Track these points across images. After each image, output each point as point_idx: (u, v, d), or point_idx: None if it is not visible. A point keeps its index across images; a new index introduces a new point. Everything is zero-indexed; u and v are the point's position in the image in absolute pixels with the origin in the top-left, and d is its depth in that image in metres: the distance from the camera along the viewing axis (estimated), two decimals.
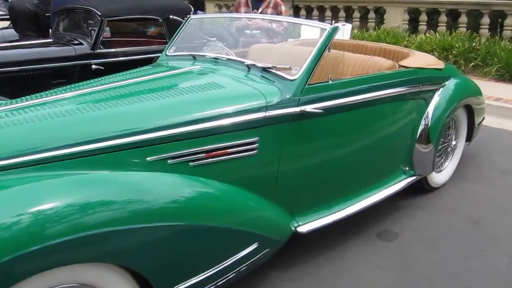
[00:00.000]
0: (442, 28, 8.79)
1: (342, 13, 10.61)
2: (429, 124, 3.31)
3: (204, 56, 3.14)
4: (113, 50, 5.06)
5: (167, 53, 3.53)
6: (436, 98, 3.38)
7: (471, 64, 7.56)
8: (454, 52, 7.74)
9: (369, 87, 2.84)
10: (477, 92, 3.95)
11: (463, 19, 8.65)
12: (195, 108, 2.35)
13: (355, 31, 9.58)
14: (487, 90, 6.56)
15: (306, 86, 2.54)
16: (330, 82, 2.65)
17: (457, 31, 8.44)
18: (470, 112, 3.82)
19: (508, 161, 4.36)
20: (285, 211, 2.59)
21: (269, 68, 2.67)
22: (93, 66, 4.91)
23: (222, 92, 2.52)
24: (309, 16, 11.70)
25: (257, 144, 2.41)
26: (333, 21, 2.94)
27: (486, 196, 3.68)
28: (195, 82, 2.67)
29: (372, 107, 2.89)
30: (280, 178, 2.53)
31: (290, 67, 2.63)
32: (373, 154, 3.01)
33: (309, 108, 2.49)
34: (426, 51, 7.92)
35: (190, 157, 2.25)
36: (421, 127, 3.31)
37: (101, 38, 4.94)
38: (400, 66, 3.20)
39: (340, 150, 2.79)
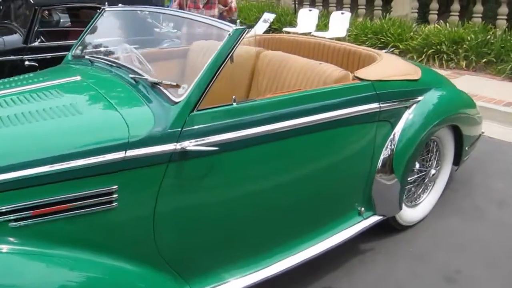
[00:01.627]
0: (454, 18, 7.81)
1: (347, 0, 9.70)
2: (393, 152, 2.54)
3: (104, 60, 2.45)
4: (52, 44, 4.41)
5: (72, 54, 2.86)
6: (405, 118, 2.60)
7: (483, 60, 6.63)
8: (465, 46, 6.81)
9: (300, 110, 2.10)
10: (468, 106, 3.13)
11: (479, 7, 7.64)
12: (25, 145, 1.67)
13: (360, 19, 8.67)
14: (498, 91, 5.68)
15: (194, 112, 1.83)
16: (235, 105, 1.92)
17: (470, 22, 7.47)
18: (458, 132, 3.02)
19: (509, 187, 3.54)
20: (177, 279, 1.91)
21: (156, 83, 1.97)
22: (26, 63, 4.27)
23: (74, 121, 1.81)
24: (312, 4, 10.83)
25: (115, 195, 1.72)
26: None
27: (472, 239, 2.90)
28: (54, 102, 1.97)
29: (304, 136, 2.14)
30: (160, 238, 1.84)
31: (177, 84, 1.92)
32: (307, 195, 2.27)
33: (193, 145, 1.78)
34: (433, 44, 7.03)
35: (11, 215, 1.58)
36: (382, 156, 2.54)
37: (35, 29, 4.29)
38: (355, 78, 2.43)
39: (252, 195, 2.06)
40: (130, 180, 1.73)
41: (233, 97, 1.94)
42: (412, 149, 2.60)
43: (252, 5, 11.36)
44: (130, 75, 2.12)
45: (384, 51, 3.25)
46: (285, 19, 9.98)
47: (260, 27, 10.24)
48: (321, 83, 2.41)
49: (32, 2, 4.24)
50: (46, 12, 4.83)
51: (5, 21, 4.69)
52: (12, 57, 4.22)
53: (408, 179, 2.79)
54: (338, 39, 8.16)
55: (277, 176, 2.11)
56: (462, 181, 3.58)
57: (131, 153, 1.70)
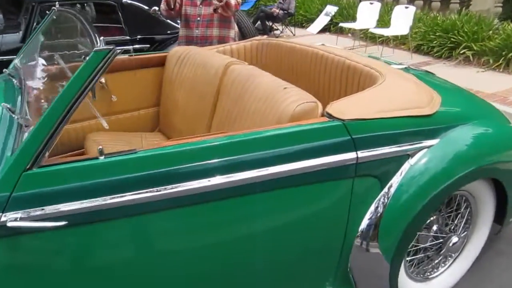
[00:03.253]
0: None
1: None
2: (381, 218, 1.77)
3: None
4: (55, 42, 4.08)
5: (16, 62, 2.44)
6: (405, 170, 1.80)
7: None
8: None
9: (216, 166, 1.44)
10: None
11: None
12: None
13: (418, 10, 7.45)
14: None
15: (33, 170, 1.26)
16: (101, 159, 1.32)
17: None
18: (501, 187, 2.14)
19: None
20: None
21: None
22: None
23: None
24: None
25: None
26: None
27: None
28: None
29: (226, 201, 1.49)
30: None
31: (26, 124, 1.38)
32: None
33: (24, 218, 1.22)
34: None
35: None
36: (365, 224, 1.78)
37: (33, 27, 3.99)
38: (326, 114, 1.70)
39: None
40: None
41: (99, 147, 1.35)
42: (413, 212, 1.81)
43: None
44: (4, 104, 1.61)
45: (400, 65, 2.44)
46: (348, 13, 9.05)
47: (321, 21, 9.43)
48: (275, 120, 1.72)
49: None
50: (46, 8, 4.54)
51: (12, 17, 4.47)
52: (10, 56, 3.94)
53: (415, 247, 2.01)
54: (397, 37, 7.18)
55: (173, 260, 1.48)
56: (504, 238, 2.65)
57: None
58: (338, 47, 3.27)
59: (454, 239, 2.13)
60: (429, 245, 2.12)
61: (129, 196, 1.36)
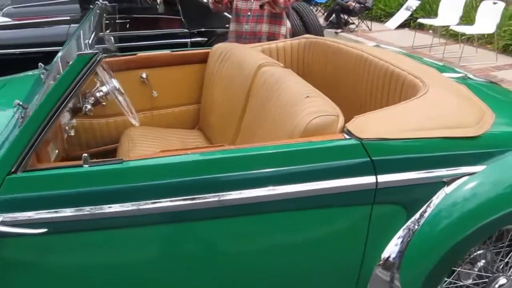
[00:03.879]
0: None
1: None
2: (403, 252, 1.54)
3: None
4: (110, 33, 4.19)
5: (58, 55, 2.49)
6: (439, 200, 1.54)
7: None
8: None
9: (205, 182, 1.32)
10: None
11: None
12: None
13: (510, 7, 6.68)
14: None
15: (17, 174, 1.23)
16: (85, 167, 1.26)
17: None
18: None
19: None
20: None
21: None
22: None
23: None
24: None
25: None
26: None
27: None
28: None
29: (220, 220, 1.36)
30: None
31: None
32: None
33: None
34: None
35: None
36: (385, 255, 1.56)
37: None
38: (346, 131, 1.50)
39: None
40: None
41: (84, 155, 1.28)
42: (445, 246, 1.55)
43: None
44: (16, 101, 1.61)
45: (457, 74, 2.14)
46: (431, 7, 8.40)
47: (401, 16, 8.87)
48: (288, 133, 1.55)
49: None
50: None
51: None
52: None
53: (454, 284, 1.74)
54: (483, 36, 6.50)
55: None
56: None
57: None
58: (394, 49, 2.98)
59: (502, 280, 1.82)
60: (471, 283, 1.83)
61: (113, 208, 1.29)
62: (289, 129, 1.56)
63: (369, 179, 1.44)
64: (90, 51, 1.34)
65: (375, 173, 1.45)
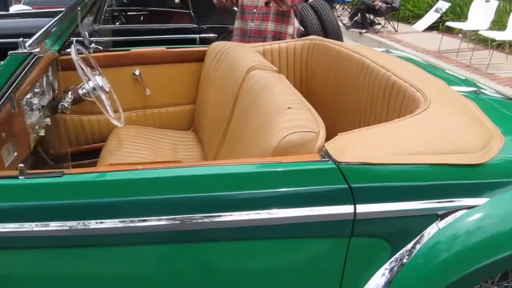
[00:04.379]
0: None
1: None
2: None
3: None
4: (116, 27, 4.10)
5: None
6: (430, 235, 1.33)
7: None
8: None
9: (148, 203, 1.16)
10: None
11: None
12: None
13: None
14: None
15: None
16: (21, 179, 1.12)
17: None
18: None
19: None
20: None
21: None
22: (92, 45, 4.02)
23: None
24: None
25: None
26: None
27: None
28: None
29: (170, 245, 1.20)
30: None
31: None
32: None
33: None
34: None
35: None
36: None
37: (103, 11, 4.01)
38: (324, 151, 1.31)
39: None
40: None
41: (20, 165, 1.14)
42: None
43: None
44: None
45: (469, 87, 1.91)
46: (462, 10, 8.01)
47: (429, 18, 8.50)
48: (259, 151, 1.37)
49: None
50: None
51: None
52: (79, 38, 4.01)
53: None
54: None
55: None
56: None
57: None
58: (406, 55, 2.74)
59: None
60: None
61: (49, 227, 1.14)
62: (262, 146, 1.37)
63: (346, 209, 1.25)
64: (25, 51, 1.19)
65: (354, 202, 1.25)
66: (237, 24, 3.14)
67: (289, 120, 1.40)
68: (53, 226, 1.15)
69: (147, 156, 2.32)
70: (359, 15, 8.67)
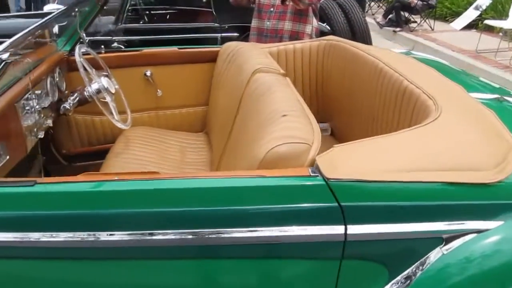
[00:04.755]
0: None
1: None
2: None
3: None
4: (140, 26, 4.09)
5: None
6: (433, 261, 1.20)
7: None
8: None
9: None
10: None
11: None
12: None
13: None
14: None
15: None
16: None
17: None
18: None
19: None
20: None
21: None
22: (114, 44, 4.04)
23: None
24: None
25: None
26: None
27: None
28: None
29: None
30: None
31: None
32: None
33: None
34: None
35: None
36: None
37: (126, 10, 4.01)
38: (314, 165, 1.20)
39: None
40: None
41: None
42: None
43: None
44: None
45: (491, 94, 1.75)
46: (503, 8, 7.60)
47: (469, 16, 8.11)
48: (247, 163, 1.27)
49: None
50: None
51: None
52: (102, 37, 4.03)
53: None
54: None
55: None
56: None
57: None
58: (429, 57, 2.57)
59: None
60: None
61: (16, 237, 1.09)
62: (250, 156, 1.28)
63: (336, 229, 1.14)
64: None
65: (344, 222, 1.14)
66: (254, 23, 3.05)
67: (281, 129, 1.30)
68: (16, 236, 1.10)
69: (153, 159, 2.27)
70: (394, 12, 8.38)
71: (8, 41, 1.44)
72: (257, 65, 1.97)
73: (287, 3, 2.76)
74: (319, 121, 2.64)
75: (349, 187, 1.13)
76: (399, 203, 1.16)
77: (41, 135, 1.84)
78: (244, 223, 1.12)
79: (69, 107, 2.03)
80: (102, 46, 2.53)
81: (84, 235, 1.11)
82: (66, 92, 2.30)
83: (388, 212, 1.16)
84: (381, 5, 10.00)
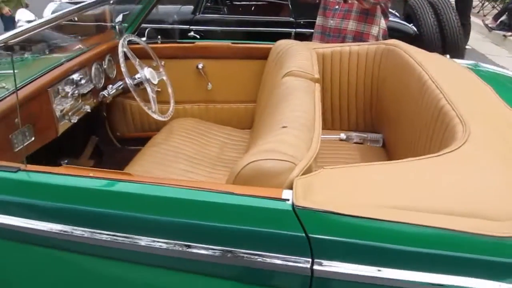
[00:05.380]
0: None
1: None
2: None
3: None
4: (216, 17, 4.13)
5: None
6: None
7: None
8: None
9: None
10: None
11: None
12: None
13: None
14: None
15: None
16: None
17: None
18: None
19: None
20: None
21: None
22: (190, 34, 4.13)
23: None
24: None
25: None
26: None
27: None
28: None
29: None
30: None
31: None
32: None
33: None
34: None
35: None
36: None
37: (204, 0, 4.09)
38: (288, 192, 1.07)
39: None
40: None
41: None
42: None
43: None
44: None
45: None
46: None
47: None
48: (233, 174, 1.19)
49: None
50: None
51: None
52: (180, 26, 4.15)
53: None
54: None
55: None
56: None
57: None
58: (498, 70, 2.23)
59: None
60: None
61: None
62: (234, 168, 1.20)
63: (301, 261, 1.01)
64: None
65: (312, 256, 1.01)
66: (319, 21, 2.90)
67: (272, 142, 1.20)
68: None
69: (189, 152, 2.27)
70: (507, 14, 7.53)
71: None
72: (291, 67, 1.86)
73: (350, 1, 2.58)
74: (372, 130, 2.47)
75: (320, 218, 1.00)
76: (381, 245, 1.00)
77: (75, 120, 1.92)
78: (205, 240, 1.05)
79: (107, 95, 2.10)
80: (159, 37, 2.57)
81: (58, 227, 1.13)
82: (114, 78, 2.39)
83: (368, 252, 1.01)
84: (496, 5, 9.04)
